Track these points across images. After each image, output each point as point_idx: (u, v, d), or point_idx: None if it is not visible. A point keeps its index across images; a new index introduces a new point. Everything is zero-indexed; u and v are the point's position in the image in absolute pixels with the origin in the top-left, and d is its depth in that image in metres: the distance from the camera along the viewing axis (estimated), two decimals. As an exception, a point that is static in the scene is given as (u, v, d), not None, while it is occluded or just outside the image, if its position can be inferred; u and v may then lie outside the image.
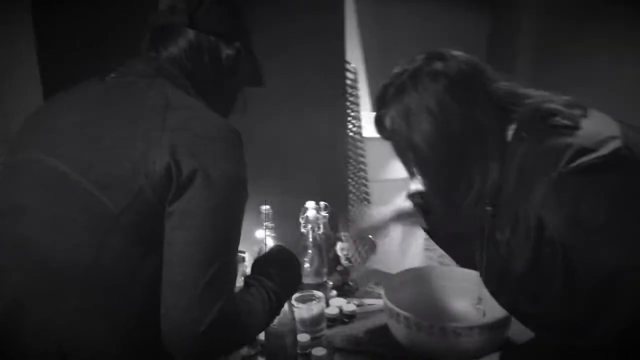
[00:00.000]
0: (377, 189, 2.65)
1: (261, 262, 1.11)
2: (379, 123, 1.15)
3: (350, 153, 2.51)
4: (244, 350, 1.34)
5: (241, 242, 1.43)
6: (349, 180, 2.35)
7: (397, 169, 2.88)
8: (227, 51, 1.07)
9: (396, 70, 1.10)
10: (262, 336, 1.30)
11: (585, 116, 0.99)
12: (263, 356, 1.33)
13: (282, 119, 1.63)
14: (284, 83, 1.60)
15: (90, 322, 0.87)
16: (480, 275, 1.23)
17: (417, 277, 1.49)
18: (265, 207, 1.45)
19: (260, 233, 1.45)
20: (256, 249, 1.45)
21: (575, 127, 0.96)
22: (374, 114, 1.17)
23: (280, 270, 1.07)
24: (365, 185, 2.55)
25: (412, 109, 1.04)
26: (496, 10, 4.05)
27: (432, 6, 4.39)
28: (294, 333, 1.26)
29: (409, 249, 2.76)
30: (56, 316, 0.87)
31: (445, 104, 1.03)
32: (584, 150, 0.92)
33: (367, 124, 2.69)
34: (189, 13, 1.04)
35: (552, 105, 1.01)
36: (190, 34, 1.05)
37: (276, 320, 1.24)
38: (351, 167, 2.52)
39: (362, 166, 2.52)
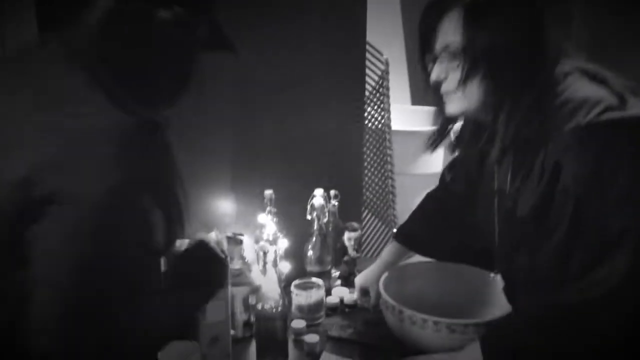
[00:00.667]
0: (405, 182, 2.62)
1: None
2: (427, 26, 1.11)
3: (374, 145, 2.48)
4: (240, 334, 1.35)
5: (241, 225, 1.46)
6: (367, 172, 2.33)
7: (425, 164, 2.85)
8: (160, 17, 0.90)
9: None
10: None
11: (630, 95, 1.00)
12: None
13: (297, 107, 1.63)
14: (300, 71, 1.60)
15: None
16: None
17: (419, 270, 1.47)
18: (268, 192, 1.45)
19: (262, 217, 1.45)
20: (258, 232, 1.45)
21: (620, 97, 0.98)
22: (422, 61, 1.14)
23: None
24: (391, 178, 2.52)
25: (484, 19, 1.03)
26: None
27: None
28: (285, 317, 1.26)
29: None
30: None
31: (518, 20, 1.03)
32: (616, 108, 0.95)
33: (396, 117, 2.66)
34: None
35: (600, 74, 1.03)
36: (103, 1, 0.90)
37: (267, 304, 1.25)
38: (376, 159, 2.49)
39: (388, 159, 2.49)
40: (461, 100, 1.09)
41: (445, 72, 1.09)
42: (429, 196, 1.51)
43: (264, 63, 1.48)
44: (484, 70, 1.05)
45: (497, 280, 1.29)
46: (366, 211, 2.46)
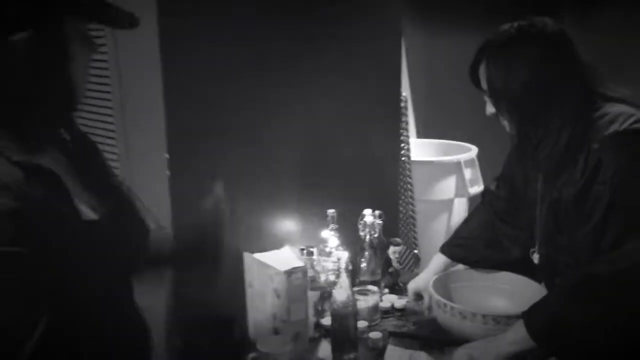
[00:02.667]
0: (422, 208, 2.87)
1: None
2: (473, 71, 1.41)
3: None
4: (311, 333, 1.57)
5: (307, 238, 1.69)
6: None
7: (440, 191, 3.10)
8: (16, 41, 0.84)
9: (502, 27, 1.36)
10: (327, 321, 1.53)
11: None
12: (326, 339, 1.55)
13: (345, 136, 1.87)
14: (346, 106, 1.86)
15: None
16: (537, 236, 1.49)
17: (460, 277, 1.70)
18: (331, 211, 1.68)
19: (325, 233, 1.68)
20: (321, 246, 1.68)
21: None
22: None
23: None
24: (412, 204, 2.77)
25: (512, 60, 1.32)
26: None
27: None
28: (356, 316, 1.48)
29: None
30: None
31: (542, 60, 1.31)
32: (630, 115, 1.23)
33: (414, 148, 2.93)
34: None
35: (626, 96, 1.32)
36: None
37: (341, 304, 1.47)
38: (399, 187, 2.74)
39: (409, 186, 2.74)
40: (507, 124, 1.39)
41: (491, 107, 1.38)
42: (473, 212, 1.75)
43: (325, 97, 1.75)
44: (506, 107, 1.36)
45: (535, 257, 1.52)
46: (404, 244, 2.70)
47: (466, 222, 1.75)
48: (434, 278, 1.63)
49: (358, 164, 1.88)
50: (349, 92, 1.84)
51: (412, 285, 1.70)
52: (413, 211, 2.78)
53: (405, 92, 2.87)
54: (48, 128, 0.96)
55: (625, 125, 1.25)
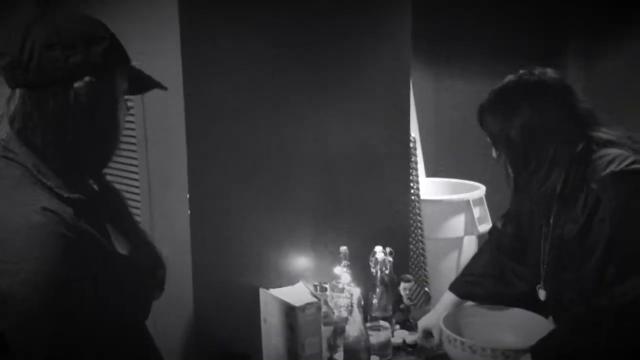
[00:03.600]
0: (431, 247, 2.92)
1: None
2: (480, 116, 1.50)
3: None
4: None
5: (320, 274, 1.75)
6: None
7: (449, 229, 3.16)
8: (75, 88, 0.94)
9: (506, 78, 1.46)
10: (340, 356, 1.58)
11: None
12: (339, 373, 1.59)
13: (357, 177, 1.95)
14: (358, 147, 1.94)
15: None
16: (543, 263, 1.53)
17: (469, 313, 1.74)
18: (343, 248, 1.74)
19: (338, 269, 1.74)
20: (334, 282, 1.73)
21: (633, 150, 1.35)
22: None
23: None
24: (422, 242, 2.82)
25: (509, 108, 1.41)
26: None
27: (487, 78, 4.74)
28: (369, 350, 1.53)
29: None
30: None
31: (537, 107, 1.39)
32: (624, 158, 1.31)
33: (424, 187, 2.99)
34: (4, 67, 0.94)
35: (622, 140, 1.38)
36: (17, 93, 0.94)
37: (353, 339, 1.51)
38: (410, 225, 2.80)
39: (419, 224, 2.79)
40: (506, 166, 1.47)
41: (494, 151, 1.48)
42: (480, 250, 1.80)
43: (339, 138, 1.83)
44: (503, 150, 1.46)
45: (541, 293, 1.56)
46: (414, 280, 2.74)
47: (474, 259, 1.79)
48: (444, 314, 1.68)
49: (370, 202, 1.95)
50: (361, 133, 1.93)
51: (422, 323, 1.74)
52: (423, 249, 2.83)
53: (414, 132, 2.95)
54: (94, 169, 1.05)
55: (622, 166, 1.31)
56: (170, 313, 1.59)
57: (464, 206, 2.99)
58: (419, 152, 3.99)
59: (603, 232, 1.31)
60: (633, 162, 1.32)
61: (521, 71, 1.45)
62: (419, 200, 2.78)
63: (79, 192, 0.96)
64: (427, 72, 4.31)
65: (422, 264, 2.83)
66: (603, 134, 1.39)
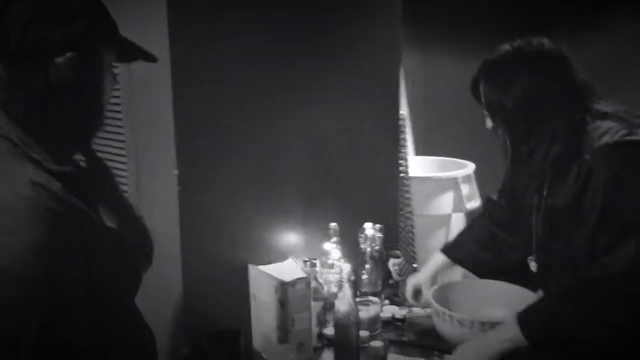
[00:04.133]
0: (419, 223, 2.93)
1: None
2: (474, 87, 1.49)
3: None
4: (315, 343, 1.61)
5: (310, 250, 1.75)
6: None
7: (438, 206, 3.17)
8: (57, 63, 0.94)
9: (502, 47, 1.44)
10: (330, 331, 1.59)
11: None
12: (329, 348, 1.60)
13: (347, 154, 1.94)
14: (348, 125, 1.93)
15: None
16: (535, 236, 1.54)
17: (458, 288, 1.75)
18: (332, 225, 1.74)
19: (327, 246, 1.74)
20: (324, 258, 1.74)
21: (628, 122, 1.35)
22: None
23: None
24: (410, 219, 2.82)
25: (508, 78, 1.39)
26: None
27: (475, 59, 4.75)
28: (358, 324, 1.53)
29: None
30: None
31: (537, 77, 1.37)
32: (633, 134, 1.31)
33: (413, 165, 2.99)
34: None
35: (619, 113, 1.38)
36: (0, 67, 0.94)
37: (343, 314, 1.52)
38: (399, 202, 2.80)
39: (407, 201, 2.80)
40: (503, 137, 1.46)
41: (489, 121, 1.47)
42: (474, 220, 1.82)
43: (329, 117, 1.82)
44: (501, 121, 1.44)
45: (532, 265, 1.57)
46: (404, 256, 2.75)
47: (468, 228, 1.81)
48: (433, 289, 1.69)
49: (359, 180, 1.95)
50: (350, 112, 1.92)
51: (412, 281, 1.76)
52: (412, 226, 2.84)
53: (403, 110, 2.94)
54: (79, 141, 1.05)
55: (615, 137, 1.32)
56: (160, 289, 1.58)
57: (452, 184, 3.00)
58: (409, 130, 3.99)
59: (595, 202, 1.31)
60: (627, 134, 1.32)
61: (518, 41, 1.43)
62: (408, 178, 2.78)
63: (68, 164, 0.96)
64: (417, 51, 4.28)
65: (411, 241, 2.84)
66: (601, 106, 1.39)
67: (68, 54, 0.94)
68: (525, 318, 1.28)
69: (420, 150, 4.24)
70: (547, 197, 1.46)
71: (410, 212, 2.82)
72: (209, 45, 1.52)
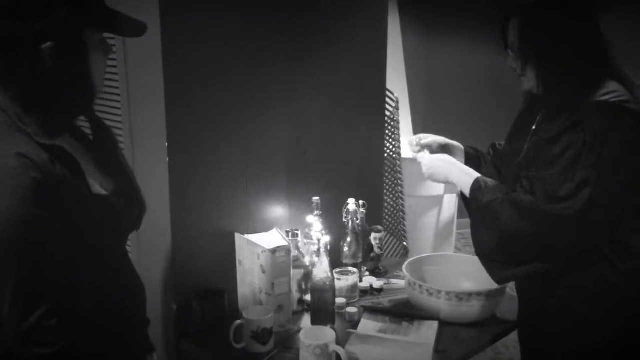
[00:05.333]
0: (412, 204, 3.04)
1: None
2: (504, 32, 1.52)
3: (388, 170, 2.91)
4: (295, 307, 1.74)
5: (294, 222, 1.87)
6: (385, 190, 2.74)
7: (430, 187, 3.27)
8: (42, 49, 1.02)
9: None
10: (309, 297, 1.71)
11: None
12: (308, 313, 1.72)
13: (331, 131, 2.05)
14: (333, 102, 2.03)
15: None
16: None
17: (434, 260, 1.87)
18: (315, 198, 1.85)
19: (310, 218, 1.86)
20: (307, 230, 1.85)
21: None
22: None
23: None
24: (401, 199, 2.94)
25: (545, 17, 1.43)
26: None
27: (474, 44, 4.79)
28: (334, 290, 1.65)
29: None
30: None
31: (570, 20, 1.42)
32: (631, 101, 1.38)
33: (405, 147, 3.10)
34: None
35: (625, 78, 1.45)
36: None
37: (320, 281, 1.64)
38: (389, 182, 2.91)
39: (399, 182, 2.91)
40: (526, 81, 1.50)
41: (514, 62, 1.50)
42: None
43: (314, 93, 1.93)
44: (535, 65, 1.45)
45: None
46: (385, 231, 2.86)
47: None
48: (409, 260, 1.81)
49: (344, 156, 2.06)
50: (335, 89, 2.01)
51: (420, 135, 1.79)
52: (402, 205, 2.95)
53: (398, 93, 3.04)
54: (70, 117, 1.15)
55: (614, 99, 1.38)
56: (152, 252, 1.71)
57: (445, 166, 3.10)
58: (408, 113, 4.08)
59: (574, 146, 1.36)
60: (625, 101, 1.39)
61: None
62: (400, 159, 2.89)
63: (61, 136, 1.06)
64: (419, 36, 4.35)
65: (402, 220, 2.96)
66: (615, 67, 1.45)
67: (49, 43, 1.02)
68: (475, 185, 1.51)
69: (419, 133, 4.33)
70: (536, 132, 1.53)
71: (401, 192, 2.94)
72: (198, 23, 1.62)
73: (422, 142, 1.75)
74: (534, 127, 1.55)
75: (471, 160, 1.76)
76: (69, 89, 1.08)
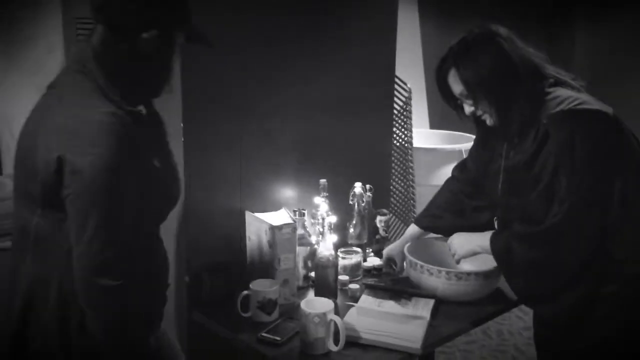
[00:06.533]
0: (424, 192, 3.11)
1: None
2: (442, 85, 1.64)
3: (399, 158, 2.98)
4: (301, 283, 1.83)
5: (303, 203, 1.96)
6: (393, 181, 2.81)
7: (442, 176, 3.34)
8: (143, 37, 1.23)
9: (461, 36, 1.60)
10: (312, 273, 1.81)
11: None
12: (313, 288, 1.82)
13: (345, 121, 2.13)
14: (347, 95, 2.12)
15: None
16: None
17: (432, 244, 1.95)
18: (322, 181, 1.94)
19: (317, 199, 1.95)
20: (314, 210, 1.94)
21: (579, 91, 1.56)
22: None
23: None
24: (412, 187, 3.01)
25: (479, 54, 1.55)
26: (551, 42, 4.44)
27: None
28: (336, 268, 1.75)
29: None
30: None
31: (500, 50, 1.54)
32: (586, 103, 1.50)
33: (417, 137, 3.16)
34: (96, 8, 1.23)
35: (567, 80, 1.58)
36: (100, 28, 1.24)
37: (323, 257, 1.73)
38: (400, 171, 2.99)
39: (410, 170, 2.98)
40: (488, 119, 1.62)
41: (470, 106, 1.62)
42: (442, 187, 1.98)
43: (321, 90, 2.01)
44: (484, 99, 1.58)
45: (497, 223, 1.75)
46: (391, 214, 2.94)
47: (435, 197, 1.97)
48: (408, 244, 1.89)
49: (352, 141, 2.14)
50: (346, 76, 2.09)
51: (386, 252, 1.96)
52: (413, 194, 3.02)
53: (413, 84, 3.10)
54: (144, 97, 1.37)
55: (570, 106, 1.50)
56: (167, 228, 1.82)
57: (457, 155, 3.17)
58: (425, 104, 4.13)
59: (549, 163, 1.48)
60: (581, 103, 1.50)
61: (476, 28, 1.60)
62: (411, 148, 2.96)
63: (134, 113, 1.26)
64: (437, 28, 4.39)
65: (412, 207, 3.03)
66: (551, 71, 1.57)
67: (152, 31, 1.23)
68: (492, 238, 1.62)
69: (436, 124, 4.39)
70: (506, 158, 1.64)
71: (412, 180, 3.01)
72: (215, 12, 1.71)
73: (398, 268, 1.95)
74: (502, 160, 1.66)
75: (433, 229, 1.94)
76: (153, 74, 1.31)
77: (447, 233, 1.90)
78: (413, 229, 1.95)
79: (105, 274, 1.15)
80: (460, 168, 1.93)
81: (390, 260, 1.96)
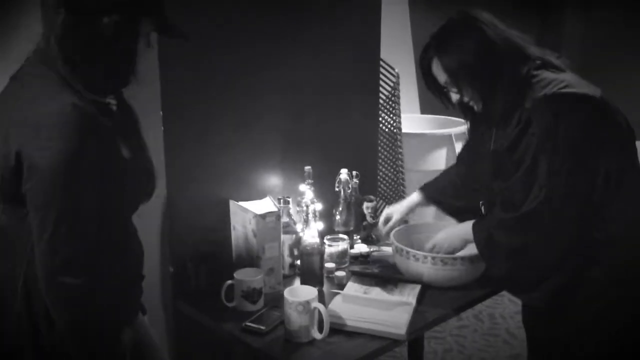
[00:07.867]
0: (413, 177, 3.09)
1: None
2: (427, 74, 1.63)
3: (388, 144, 2.96)
4: (287, 271, 1.82)
5: (288, 191, 1.94)
6: (381, 167, 2.79)
7: (432, 162, 3.33)
8: (103, 22, 1.16)
9: (441, 25, 1.59)
10: (298, 262, 1.79)
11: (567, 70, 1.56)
12: (299, 276, 1.80)
13: (330, 107, 2.11)
14: (332, 82, 2.09)
15: None
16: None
17: (421, 229, 1.94)
18: (307, 168, 1.92)
19: (302, 187, 1.93)
20: (299, 198, 1.93)
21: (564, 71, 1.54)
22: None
23: None
24: (402, 173, 3.00)
25: (460, 41, 1.54)
26: (542, 19, 4.44)
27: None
28: (321, 254, 1.73)
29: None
30: None
31: (482, 34, 1.52)
32: (571, 86, 1.47)
33: (407, 122, 3.14)
34: None
35: (552, 60, 1.56)
36: (62, 12, 1.17)
37: (308, 245, 1.72)
38: (389, 157, 2.97)
39: (399, 156, 2.96)
40: (474, 104, 1.61)
41: (456, 94, 1.60)
42: (451, 166, 1.99)
43: (305, 75, 1.98)
44: (469, 86, 1.56)
45: (482, 208, 1.74)
46: (381, 201, 2.93)
47: (444, 173, 1.98)
48: (395, 229, 1.88)
49: (338, 128, 2.12)
50: (330, 62, 2.07)
51: (387, 210, 1.94)
52: (403, 179, 3.01)
53: (401, 69, 3.08)
54: (108, 88, 1.28)
55: (554, 90, 1.47)
56: (151, 217, 1.80)
57: (447, 140, 3.15)
58: (415, 89, 4.11)
59: (531, 146, 1.47)
60: (566, 86, 1.47)
61: (455, 15, 1.59)
62: (400, 133, 2.94)
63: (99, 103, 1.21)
64: (428, 15, 4.35)
65: (402, 193, 3.02)
66: (533, 51, 1.55)
67: (113, 16, 1.17)
68: (474, 226, 1.61)
69: (427, 109, 4.36)
70: (493, 142, 1.62)
71: (401, 166, 2.99)
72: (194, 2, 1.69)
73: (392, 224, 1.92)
74: (491, 144, 1.64)
75: (436, 201, 1.92)
76: (116, 63, 1.23)
77: (448, 211, 1.89)
78: (416, 195, 1.94)
79: (67, 271, 1.11)
80: (461, 154, 1.91)
81: (387, 219, 1.94)
